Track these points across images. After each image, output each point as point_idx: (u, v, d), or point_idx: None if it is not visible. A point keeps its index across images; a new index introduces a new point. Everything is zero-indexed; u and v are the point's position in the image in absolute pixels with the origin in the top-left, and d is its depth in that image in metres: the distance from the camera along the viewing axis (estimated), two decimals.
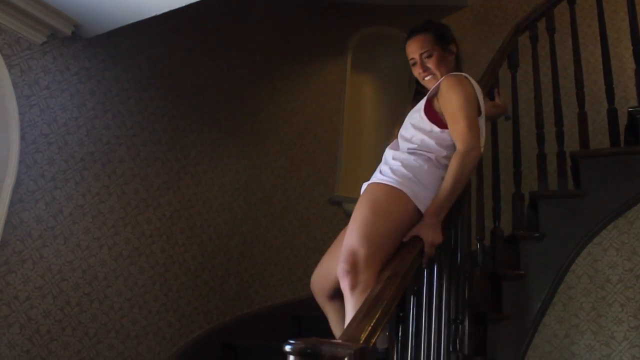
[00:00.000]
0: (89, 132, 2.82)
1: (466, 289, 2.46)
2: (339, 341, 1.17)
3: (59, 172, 2.66)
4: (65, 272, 2.64)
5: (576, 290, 2.69)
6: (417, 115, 2.18)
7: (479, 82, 2.87)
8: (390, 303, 1.48)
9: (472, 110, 2.09)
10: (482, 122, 2.20)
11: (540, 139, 2.96)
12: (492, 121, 2.88)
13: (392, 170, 2.03)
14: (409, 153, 2.08)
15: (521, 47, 3.20)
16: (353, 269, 1.86)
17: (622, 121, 3.12)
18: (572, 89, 3.60)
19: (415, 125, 2.15)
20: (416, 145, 2.09)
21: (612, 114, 2.94)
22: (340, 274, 1.88)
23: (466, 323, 2.42)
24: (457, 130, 2.05)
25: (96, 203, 2.81)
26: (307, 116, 4.33)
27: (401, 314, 1.67)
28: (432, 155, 2.07)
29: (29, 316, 2.48)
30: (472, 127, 2.05)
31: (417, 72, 2.28)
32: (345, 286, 1.87)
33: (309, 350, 1.08)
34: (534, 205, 2.89)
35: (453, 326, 2.24)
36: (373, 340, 1.31)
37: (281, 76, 4.16)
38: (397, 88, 4.78)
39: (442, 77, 2.19)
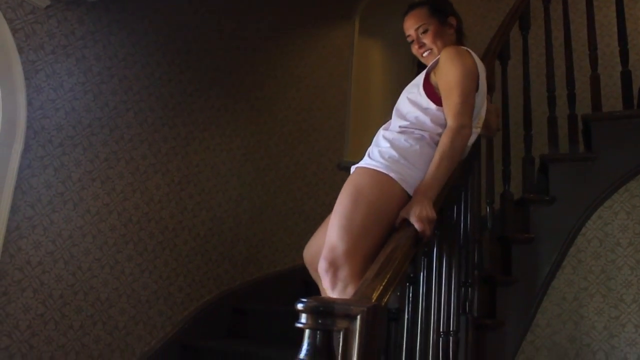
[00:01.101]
0: (95, 97, 2.81)
1: (475, 253, 2.47)
2: (352, 299, 1.17)
3: (66, 138, 2.66)
4: (75, 238, 2.65)
5: (586, 253, 2.69)
6: (415, 90, 2.04)
7: (487, 46, 2.84)
8: (402, 263, 1.48)
9: (469, 86, 1.94)
10: (480, 99, 2.04)
11: (552, 101, 2.92)
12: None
13: (380, 153, 1.89)
14: (400, 132, 1.94)
15: (532, 10, 3.13)
16: (332, 266, 1.75)
17: (636, 85, 3.07)
18: (583, 53, 3.55)
19: (412, 100, 2.02)
20: (408, 123, 1.96)
21: (626, 75, 2.88)
22: (320, 272, 1.79)
23: (475, 286, 2.43)
24: (450, 105, 1.91)
25: (105, 169, 2.81)
26: (315, 81, 4.29)
27: (412, 275, 1.67)
28: (425, 134, 1.93)
29: (41, 280, 2.50)
30: (466, 105, 1.91)
31: (414, 49, 2.16)
32: (326, 285, 1.78)
33: (321, 308, 1.07)
34: (544, 169, 2.87)
35: (463, 289, 2.24)
36: (385, 299, 1.31)
37: (288, 41, 4.11)
38: (405, 53, 4.71)
39: (440, 51, 2.06)
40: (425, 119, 1.95)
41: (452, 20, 2.15)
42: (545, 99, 2.97)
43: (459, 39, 2.18)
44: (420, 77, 2.05)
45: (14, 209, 2.41)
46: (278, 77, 3.98)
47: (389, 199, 1.79)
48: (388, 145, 1.89)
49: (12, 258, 2.40)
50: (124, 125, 2.93)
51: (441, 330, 1.93)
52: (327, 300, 1.11)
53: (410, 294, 1.69)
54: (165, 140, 3.13)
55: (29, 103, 2.52)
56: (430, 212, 1.68)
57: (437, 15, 2.12)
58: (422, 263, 1.76)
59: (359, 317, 1.07)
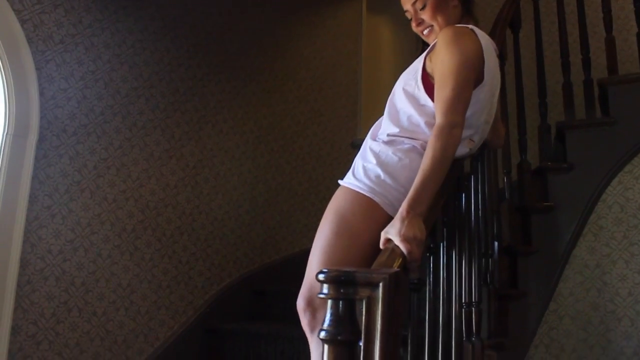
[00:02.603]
0: (106, 85, 2.80)
1: (494, 223, 2.45)
2: (373, 268, 1.16)
3: (80, 127, 2.66)
4: (94, 225, 2.67)
5: (607, 219, 2.66)
6: (412, 80, 1.77)
7: (498, 16, 2.79)
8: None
9: (467, 77, 1.64)
10: (486, 93, 1.75)
11: (566, 67, 2.87)
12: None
13: (365, 170, 1.68)
14: (387, 143, 1.71)
15: None
16: (310, 306, 1.63)
17: None
18: (596, 18, 3.49)
19: (408, 93, 1.76)
20: (398, 130, 1.72)
21: None
22: (298, 310, 1.68)
23: (496, 256, 2.42)
24: (441, 98, 1.62)
25: (119, 156, 2.82)
26: (325, 60, 4.26)
27: (432, 245, 1.65)
28: (416, 143, 1.68)
29: (63, 269, 2.53)
30: (460, 99, 1.61)
31: (413, 27, 1.89)
32: (304, 325, 1.67)
33: (343, 278, 1.07)
34: (561, 137, 2.83)
35: (483, 260, 2.23)
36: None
37: (296, 21, 4.07)
38: None
39: (442, 29, 1.78)
40: (419, 121, 1.70)
41: None
42: (558, 67, 2.93)
43: (467, 11, 1.88)
44: (419, 62, 1.80)
45: (32, 199, 2.43)
46: (287, 58, 3.95)
47: (374, 227, 1.56)
48: (374, 161, 1.68)
49: (33, 247, 2.42)
50: (136, 112, 2.93)
51: (463, 301, 1.92)
52: (349, 270, 1.10)
53: (431, 265, 1.68)
54: (178, 125, 3.13)
55: (41, 93, 2.52)
56: (417, 230, 1.39)
57: None
58: (442, 233, 1.74)
59: (381, 284, 1.06)
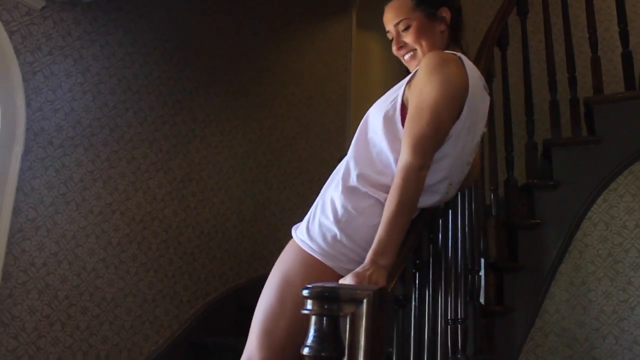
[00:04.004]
0: (94, 97, 2.79)
1: (481, 240, 2.45)
2: (357, 285, 1.16)
3: (67, 139, 2.65)
4: (79, 238, 2.65)
5: (592, 237, 2.67)
6: (391, 110, 1.54)
7: (486, 34, 2.82)
8: (407, 249, 1.46)
9: (446, 113, 1.46)
10: (466, 125, 1.52)
11: (552, 85, 2.90)
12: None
13: (320, 227, 1.49)
14: (349, 192, 1.49)
15: None
16: None
17: (637, 66, 3.05)
18: (582, 38, 3.53)
19: (386, 119, 1.53)
20: (359, 173, 1.50)
21: (627, 56, 2.86)
22: None
23: (482, 273, 2.42)
24: (414, 133, 1.42)
25: (106, 168, 2.80)
26: (314, 76, 4.28)
27: (417, 262, 1.65)
28: (381, 196, 1.46)
29: (46, 282, 2.50)
30: (435, 139, 1.44)
31: (394, 50, 1.70)
32: None
33: (326, 294, 1.06)
34: (548, 154, 2.85)
35: (470, 276, 2.23)
36: (392, 284, 1.29)
37: (286, 36, 4.09)
38: None
39: (425, 55, 1.60)
40: (389, 158, 1.49)
41: (445, 13, 1.66)
42: (545, 85, 2.96)
43: (455, 40, 1.70)
44: (399, 89, 1.57)
45: (16, 211, 2.41)
46: (277, 73, 3.97)
47: None
48: (331, 218, 1.48)
49: (16, 260, 2.39)
50: (124, 125, 2.92)
51: (449, 317, 1.91)
52: (332, 286, 1.10)
53: (417, 281, 1.68)
54: (166, 138, 3.12)
55: (28, 105, 2.51)
56: (377, 277, 1.25)
57: (422, 5, 1.64)
58: (428, 249, 1.74)
59: (365, 300, 1.05)
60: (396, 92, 1.58)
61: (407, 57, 1.68)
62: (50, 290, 2.51)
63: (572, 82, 2.88)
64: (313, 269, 1.45)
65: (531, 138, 2.87)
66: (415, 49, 1.65)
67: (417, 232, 1.54)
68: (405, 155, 1.42)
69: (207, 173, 3.35)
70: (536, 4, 3.16)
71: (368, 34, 4.82)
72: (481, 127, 1.65)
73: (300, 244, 1.51)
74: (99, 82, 2.83)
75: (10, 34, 2.49)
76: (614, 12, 3.02)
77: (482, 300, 2.39)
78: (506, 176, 2.77)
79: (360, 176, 1.50)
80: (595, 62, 2.88)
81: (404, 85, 1.56)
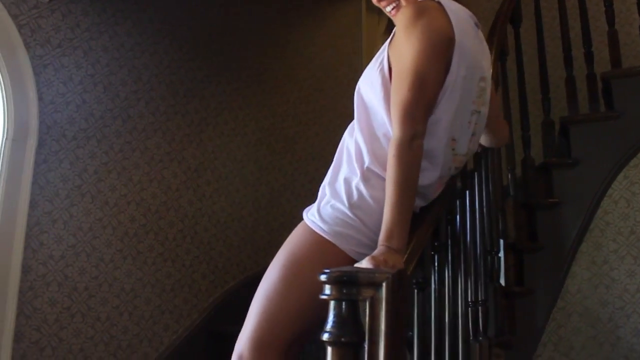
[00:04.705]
0: (105, 88, 2.79)
1: (499, 220, 2.42)
2: (375, 268, 1.14)
3: (80, 131, 2.65)
4: (96, 230, 2.65)
5: (613, 215, 2.63)
6: (380, 76, 1.43)
7: (498, 11, 2.75)
8: (425, 231, 1.44)
9: (428, 70, 1.33)
10: (458, 81, 1.40)
11: (568, 61, 2.84)
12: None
13: (333, 211, 1.41)
14: (370, 177, 1.41)
15: None
16: None
17: None
18: (597, 12, 3.45)
19: (378, 88, 1.43)
20: (372, 159, 1.40)
21: None
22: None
23: (501, 254, 2.39)
24: (397, 103, 1.33)
25: (120, 160, 2.80)
26: (325, 60, 4.24)
27: (436, 243, 1.63)
28: (382, 170, 1.39)
29: (65, 274, 2.51)
30: (420, 103, 1.32)
31: (373, 0, 1.54)
32: None
33: (345, 278, 1.04)
34: (565, 132, 2.80)
35: (489, 257, 2.20)
36: (410, 267, 1.27)
37: (295, 21, 4.05)
38: None
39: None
40: (390, 131, 1.39)
41: None
42: (560, 62, 2.89)
43: None
44: (384, 51, 1.47)
45: (32, 205, 2.41)
46: (288, 58, 3.93)
47: None
48: (344, 201, 1.40)
49: (34, 253, 2.41)
50: (136, 115, 2.91)
51: (469, 299, 1.89)
52: (351, 270, 1.08)
53: (436, 264, 1.65)
54: (178, 128, 3.11)
55: (40, 98, 2.51)
56: (391, 260, 1.20)
57: None
58: (447, 231, 1.72)
59: (384, 284, 1.03)
60: (381, 55, 1.47)
61: (389, 9, 1.51)
62: (69, 282, 2.52)
63: (589, 57, 2.82)
64: (323, 250, 1.38)
65: (547, 116, 2.82)
66: (398, 1, 1.47)
67: (434, 213, 1.51)
68: (393, 130, 1.33)
69: (221, 161, 3.34)
70: None
71: (378, 17, 4.76)
72: (481, 69, 1.49)
73: (311, 224, 1.43)
74: (110, 73, 2.82)
75: (20, 27, 2.48)
76: None
77: (502, 281, 2.37)
78: (523, 156, 2.73)
79: (371, 155, 1.42)
80: (613, 36, 2.81)
81: (387, 46, 1.45)
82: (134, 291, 2.77)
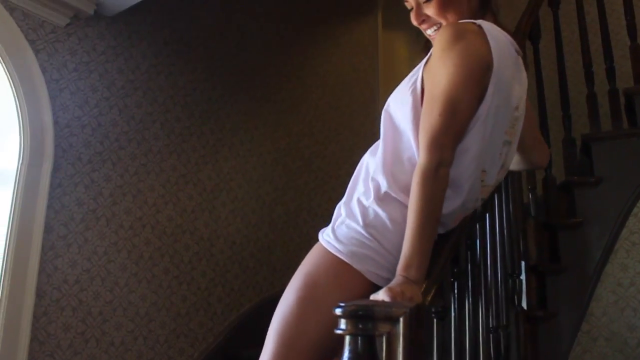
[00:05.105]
0: (121, 111, 2.79)
1: (520, 242, 2.36)
2: (392, 301, 1.09)
3: (95, 154, 2.64)
4: (111, 254, 2.64)
5: (639, 235, 2.54)
6: (412, 97, 1.37)
7: (517, 27, 2.71)
8: (445, 259, 1.39)
9: (462, 96, 1.28)
10: (491, 106, 1.32)
11: (589, 77, 2.78)
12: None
13: (348, 230, 1.35)
14: (382, 200, 1.34)
15: None
16: None
17: None
18: (617, 26, 3.39)
19: (408, 109, 1.37)
20: (389, 182, 1.34)
21: None
22: None
23: (523, 276, 2.32)
24: (426, 128, 1.28)
25: (135, 182, 2.79)
26: (341, 78, 4.22)
27: (455, 270, 1.58)
28: (403, 195, 1.33)
29: (79, 299, 2.49)
30: (450, 129, 1.27)
31: (413, 21, 1.50)
32: None
33: (360, 313, 1.00)
34: (587, 149, 2.73)
35: (510, 280, 2.14)
36: (429, 298, 1.22)
37: (311, 39, 4.04)
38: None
39: None
40: (416, 157, 1.33)
41: None
42: (579, 77, 2.84)
43: (485, 4, 1.47)
44: (418, 71, 1.41)
45: (47, 229, 2.41)
46: (303, 77, 3.92)
47: (352, 300, 1.21)
48: (360, 221, 1.34)
49: (49, 278, 2.39)
50: (152, 138, 2.90)
51: (491, 325, 1.83)
52: (367, 304, 1.04)
53: (456, 290, 1.60)
54: (194, 149, 3.10)
55: (56, 122, 2.51)
56: (409, 291, 1.14)
57: None
58: (467, 257, 1.66)
59: (401, 319, 0.99)
60: (415, 74, 1.40)
61: (430, 32, 1.48)
62: (84, 307, 2.50)
63: (610, 72, 2.76)
64: (340, 271, 1.32)
65: (568, 133, 2.75)
66: (440, 23, 1.43)
67: (454, 240, 1.46)
68: (420, 156, 1.27)
69: (237, 182, 3.31)
70: None
71: (394, 34, 4.75)
72: (517, 98, 1.42)
73: (326, 245, 1.36)
74: (125, 95, 2.82)
75: (37, 52, 2.49)
76: None
77: (524, 304, 2.30)
78: (544, 174, 2.66)
79: (389, 178, 1.35)
80: (636, 50, 2.75)
81: (422, 66, 1.39)
82: (148, 315, 2.75)
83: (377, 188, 1.36)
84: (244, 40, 3.52)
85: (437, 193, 1.25)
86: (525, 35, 2.67)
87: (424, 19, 1.46)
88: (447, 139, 1.27)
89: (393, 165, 1.37)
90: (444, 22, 1.42)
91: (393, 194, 1.34)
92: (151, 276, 2.79)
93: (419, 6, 1.45)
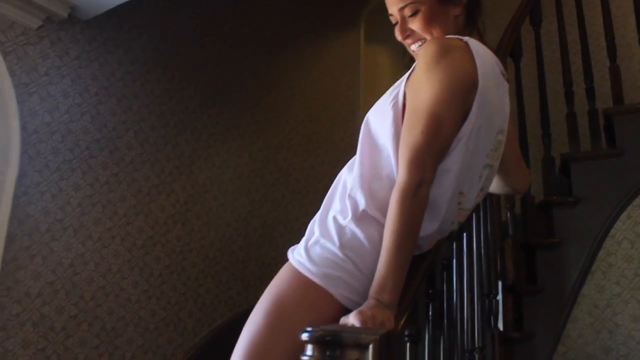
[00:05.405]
0: (93, 118, 2.71)
1: (498, 261, 2.32)
2: (362, 327, 1.03)
3: (64, 162, 2.56)
4: (77, 266, 2.54)
5: (617, 256, 2.53)
6: (392, 112, 1.31)
7: (498, 45, 2.69)
8: (419, 280, 1.34)
9: (445, 114, 1.23)
10: (474, 127, 1.28)
11: (569, 96, 2.77)
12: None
13: (322, 251, 1.27)
14: (359, 220, 1.27)
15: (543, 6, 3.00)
16: None
17: None
18: (597, 47, 3.40)
19: (388, 124, 1.31)
20: (367, 202, 1.27)
21: None
22: None
23: (499, 297, 2.28)
24: (408, 145, 1.22)
25: (105, 192, 2.71)
26: (322, 92, 4.18)
27: (430, 291, 1.52)
28: (379, 215, 1.26)
29: (42, 313, 2.39)
30: (433, 148, 1.22)
31: (398, 36, 1.44)
32: None
33: (328, 338, 0.94)
34: (566, 169, 2.72)
35: (486, 301, 2.10)
36: (402, 322, 1.17)
37: (293, 51, 4.00)
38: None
39: None
40: (391, 170, 1.28)
41: None
42: (559, 97, 2.83)
43: (471, 21, 1.43)
44: (400, 85, 1.36)
45: (10, 239, 2.31)
46: (284, 88, 3.87)
47: (323, 323, 1.19)
48: (335, 241, 1.26)
49: (9, 291, 2.30)
50: (124, 146, 2.83)
51: (465, 347, 1.78)
52: (335, 329, 0.98)
53: (430, 312, 1.55)
54: (168, 159, 3.02)
55: (23, 128, 2.43)
56: (381, 316, 1.08)
57: None
58: (442, 277, 1.62)
59: (370, 346, 0.93)
60: (397, 88, 1.35)
61: (414, 47, 1.41)
62: (46, 322, 2.41)
63: (590, 92, 2.75)
64: (311, 294, 1.24)
65: (548, 152, 2.74)
66: (425, 39, 1.37)
67: (429, 260, 1.41)
68: (399, 174, 1.22)
69: (212, 194, 3.24)
70: (549, 14, 3.04)
71: (376, 47, 4.73)
72: (501, 121, 1.38)
73: (297, 265, 1.28)
74: (98, 102, 2.74)
75: (5, 54, 2.41)
76: (629, 20, 2.91)
77: (500, 326, 2.25)
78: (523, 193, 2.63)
79: (368, 196, 1.28)
80: (615, 71, 2.75)
81: (404, 80, 1.34)
82: (115, 330, 2.65)
83: (355, 206, 1.29)
84: (223, 50, 3.46)
85: (417, 213, 1.19)
86: (507, 52, 2.66)
87: (409, 33, 1.40)
88: (429, 157, 1.22)
89: (371, 182, 1.30)
90: (429, 38, 1.37)
91: (371, 213, 1.27)
92: (119, 290, 2.69)
93: (403, 20, 1.40)
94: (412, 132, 1.23)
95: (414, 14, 1.36)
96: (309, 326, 0.96)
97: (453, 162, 1.28)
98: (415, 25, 1.38)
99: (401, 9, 1.38)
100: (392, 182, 1.26)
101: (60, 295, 2.46)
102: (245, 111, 3.54)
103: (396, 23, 1.42)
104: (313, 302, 1.24)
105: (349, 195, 1.31)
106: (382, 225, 1.23)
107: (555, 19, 2.94)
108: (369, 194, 1.29)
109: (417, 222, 1.19)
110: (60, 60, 2.61)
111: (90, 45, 2.74)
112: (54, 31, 2.60)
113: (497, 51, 2.55)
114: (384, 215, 1.23)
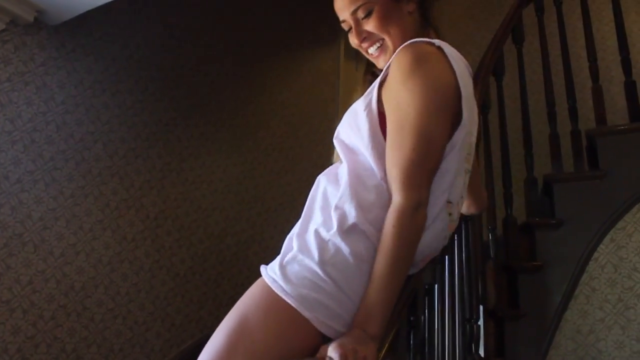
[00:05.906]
0: (59, 128, 2.58)
1: (479, 285, 2.24)
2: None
3: (25, 173, 2.42)
4: (36, 283, 2.40)
5: (600, 280, 2.46)
6: (367, 121, 1.23)
7: (480, 62, 2.63)
8: (401, 309, 1.24)
9: (435, 127, 1.17)
10: (467, 132, 1.25)
11: (552, 117, 2.73)
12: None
13: (300, 268, 1.15)
14: (345, 232, 1.15)
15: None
16: None
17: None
18: (578, 68, 3.37)
19: (364, 135, 1.23)
20: (358, 213, 1.16)
21: (630, 86, 2.70)
22: None
23: (481, 322, 2.20)
24: (399, 164, 1.15)
25: (70, 206, 2.57)
26: (301, 107, 4.10)
27: (412, 318, 1.43)
28: (371, 229, 1.15)
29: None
30: (426, 165, 1.16)
31: (353, 42, 1.36)
32: None
33: None
34: (549, 190, 2.66)
35: (467, 326, 2.01)
36: (382, 354, 1.07)
37: (271, 65, 3.92)
38: None
39: (396, 45, 1.29)
40: (382, 186, 1.20)
41: None
42: (542, 117, 2.79)
43: (425, 18, 1.37)
44: (372, 92, 1.28)
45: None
46: (261, 103, 3.78)
47: (296, 351, 1.09)
48: (316, 258, 1.14)
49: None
50: (92, 158, 2.70)
51: None
52: None
53: (411, 341, 1.45)
54: (138, 173, 2.90)
55: None
56: (364, 349, 1.01)
57: None
58: (424, 303, 1.52)
59: None
60: (368, 97, 1.27)
61: (372, 50, 1.34)
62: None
63: (573, 113, 2.71)
64: (283, 317, 1.11)
65: (530, 173, 2.68)
66: (383, 39, 1.32)
67: (411, 286, 1.32)
68: (394, 196, 1.13)
69: (184, 210, 3.11)
70: (529, 34, 3.00)
71: (356, 64, 4.67)
72: (475, 124, 1.34)
73: (271, 283, 1.14)
74: (65, 111, 2.61)
75: None
76: (608, 43, 2.89)
77: (481, 352, 2.17)
78: (505, 214, 2.57)
79: (359, 210, 1.17)
80: (597, 92, 2.71)
81: (376, 87, 1.26)
82: (76, 352, 2.50)
83: (343, 218, 1.17)
84: (200, 62, 3.36)
85: (414, 238, 1.12)
86: (489, 71, 2.61)
87: (365, 36, 1.34)
88: (423, 176, 1.15)
89: (360, 194, 1.20)
90: (386, 38, 1.32)
91: (362, 227, 1.16)
92: (81, 308, 2.55)
93: (357, 23, 1.33)
94: (402, 150, 1.15)
95: (368, 14, 1.31)
96: (279, 356, 0.84)
97: (447, 169, 1.22)
98: (370, 26, 1.32)
99: (354, 12, 1.32)
100: (380, 194, 1.18)
101: (16, 314, 2.31)
102: (222, 126, 3.44)
103: (349, 29, 1.36)
104: (284, 327, 1.11)
105: (336, 207, 1.19)
106: (371, 241, 1.14)
107: (536, 38, 2.90)
108: (359, 206, 1.18)
109: (413, 247, 1.12)
110: (25, 66, 2.49)
111: (57, 51, 2.62)
112: (18, 35, 2.48)
113: (479, 69, 2.51)
114: (375, 229, 1.14)
